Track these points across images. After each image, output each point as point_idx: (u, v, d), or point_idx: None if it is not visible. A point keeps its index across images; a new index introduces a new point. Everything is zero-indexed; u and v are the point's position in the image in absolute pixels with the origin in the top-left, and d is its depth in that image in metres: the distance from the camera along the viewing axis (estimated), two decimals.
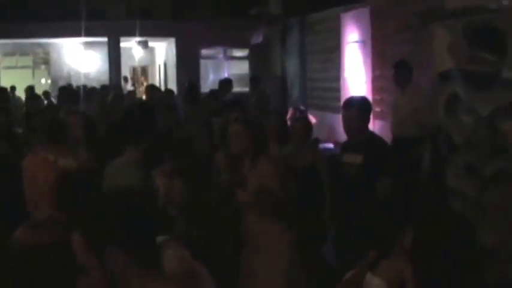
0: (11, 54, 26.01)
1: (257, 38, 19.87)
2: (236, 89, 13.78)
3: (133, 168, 5.46)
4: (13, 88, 18.78)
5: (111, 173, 5.45)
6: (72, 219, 2.43)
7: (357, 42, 13.44)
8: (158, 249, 2.37)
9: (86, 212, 2.39)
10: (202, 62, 22.69)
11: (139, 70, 28.25)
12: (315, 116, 12.71)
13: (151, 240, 2.35)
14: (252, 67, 21.91)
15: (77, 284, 2.39)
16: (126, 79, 23.92)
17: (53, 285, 3.07)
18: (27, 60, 26.65)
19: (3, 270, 3.29)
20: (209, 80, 21.60)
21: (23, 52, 26.11)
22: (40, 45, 25.43)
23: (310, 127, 6.70)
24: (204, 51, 22.71)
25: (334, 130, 12.80)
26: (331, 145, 12.07)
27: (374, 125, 10.19)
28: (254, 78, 13.73)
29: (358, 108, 5.57)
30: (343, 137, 6.17)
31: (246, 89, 15.88)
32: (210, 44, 22.23)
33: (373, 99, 11.47)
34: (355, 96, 6.74)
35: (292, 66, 17.97)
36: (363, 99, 5.98)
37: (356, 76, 13.36)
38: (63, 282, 2.96)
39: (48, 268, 3.14)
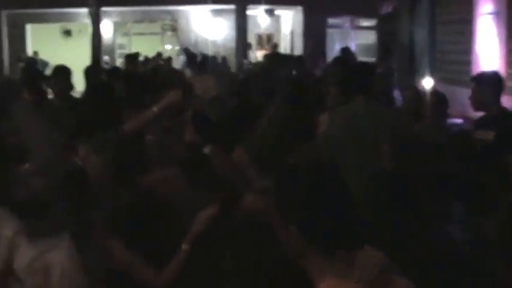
0: (140, 21, 26.63)
1: (386, 8, 19.45)
2: (362, 59, 13.55)
3: None
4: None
5: None
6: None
7: (490, 13, 12.85)
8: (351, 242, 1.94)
9: (281, 182, 2.05)
10: (329, 31, 22.48)
11: (264, 37, 28.20)
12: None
13: (340, 228, 1.91)
14: (379, 37, 21.49)
15: None
16: (250, 46, 23.96)
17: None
18: (156, 27, 27.23)
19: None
20: (335, 50, 21.37)
21: (151, 19, 26.68)
22: (168, 12, 25.87)
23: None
24: (331, 20, 22.48)
25: (463, 105, 12.31)
26: (460, 120, 11.65)
27: (506, 102, 9.74)
28: (385, 50, 13.33)
29: (490, 83, 5.44)
30: (472, 112, 5.94)
31: (373, 59, 15.60)
32: (337, 13, 21.96)
33: (507, 74, 10.95)
34: (487, 71, 6.58)
35: (421, 37, 17.45)
36: (495, 74, 5.83)
37: (489, 49, 12.81)
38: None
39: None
